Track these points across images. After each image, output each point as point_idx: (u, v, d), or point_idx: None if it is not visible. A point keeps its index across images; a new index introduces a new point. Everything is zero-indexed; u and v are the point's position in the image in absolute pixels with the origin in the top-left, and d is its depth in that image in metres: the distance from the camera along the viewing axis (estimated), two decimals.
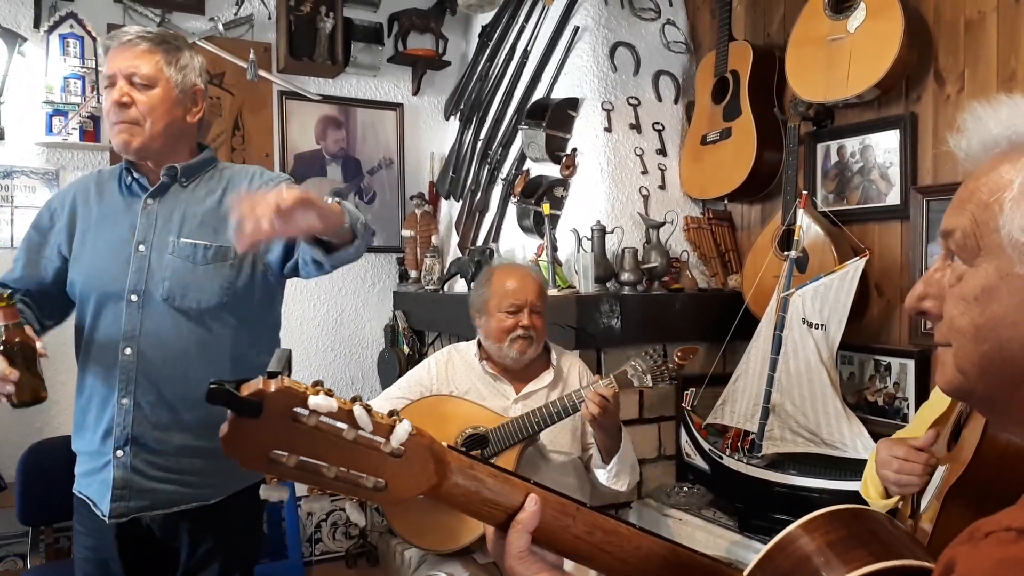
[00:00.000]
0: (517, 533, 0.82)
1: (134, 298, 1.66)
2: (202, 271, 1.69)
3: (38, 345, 1.51)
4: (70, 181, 3.18)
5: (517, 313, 2.20)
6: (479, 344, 2.32)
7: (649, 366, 2.07)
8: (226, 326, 1.71)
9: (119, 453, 1.66)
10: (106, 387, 1.68)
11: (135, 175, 1.74)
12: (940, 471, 1.32)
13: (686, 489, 2.80)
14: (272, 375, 0.70)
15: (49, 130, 3.13)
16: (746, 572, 0.89)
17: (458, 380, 2.29)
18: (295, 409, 0.70)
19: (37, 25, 3.16)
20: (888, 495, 1.51)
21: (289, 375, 0.71)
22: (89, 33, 3.16)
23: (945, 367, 0.74)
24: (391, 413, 0.76)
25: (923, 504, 1.36)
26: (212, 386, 0.68)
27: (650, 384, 2.07)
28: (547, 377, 2.28)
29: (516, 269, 2.36)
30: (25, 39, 3.15)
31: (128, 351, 1.66)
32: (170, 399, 1.68)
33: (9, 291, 1.51)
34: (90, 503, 1.72)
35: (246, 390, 0.69)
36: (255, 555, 1.94)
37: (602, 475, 2.17)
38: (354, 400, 0.73)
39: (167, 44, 1.71)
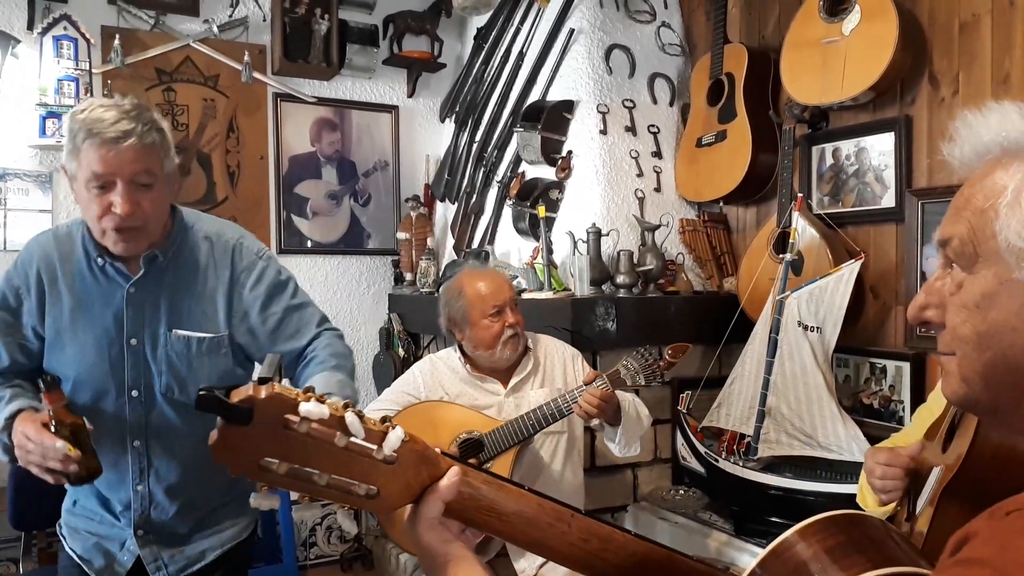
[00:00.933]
0: (431, 502, 0.80)
1: (135, 393, 1.63)
2: (197, 363, 1.65)
3: (85, 421, 1.50)
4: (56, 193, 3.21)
5: (500, 314, 2.21)
6: (460, 349, 2.32)
7: (641, 365, 2.07)
8: None
9: (140, 532, 1.67)
10: (113, 473, 1.65)
11: (108, 259, 1.60)
12: (935, 473, 1.31)
13: (682, 492, 2.80)
14: (263, 381, 0.69)
15: (43, 132, 3.12)
16: None
17: (447, 385, 2.29)
18: (286, 416, 0.69)
19: (30, 27, 3.15)
20: (883, 503, 1.51)
21: (280, 381, 0.70)
22: (83, 35, 3.15)
23: (950, 376, 0.74)
24: (384, 419, 0.75)
25: (919, 506, 1.36)
26: (201, 393, 0.67)
27: (643, 383, 2.08)
28: (528, 364, 2.30)
29: (482, 273, 2.37)
30: (18, 41, 3.14)
31: (137, 443, 1.65)
32: (188, 480, 1.68)
33: (51, 376, 1.49)
34: (79, 559, 1.69)
35: (236, 396, 0.68)
36: (249, 560, 1.94)
37: (613, 448, 2.22)
38: (346, 406, 0.72)
39: (156, 133, 1.54)
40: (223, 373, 1.67)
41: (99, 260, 1.60)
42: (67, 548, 1.72)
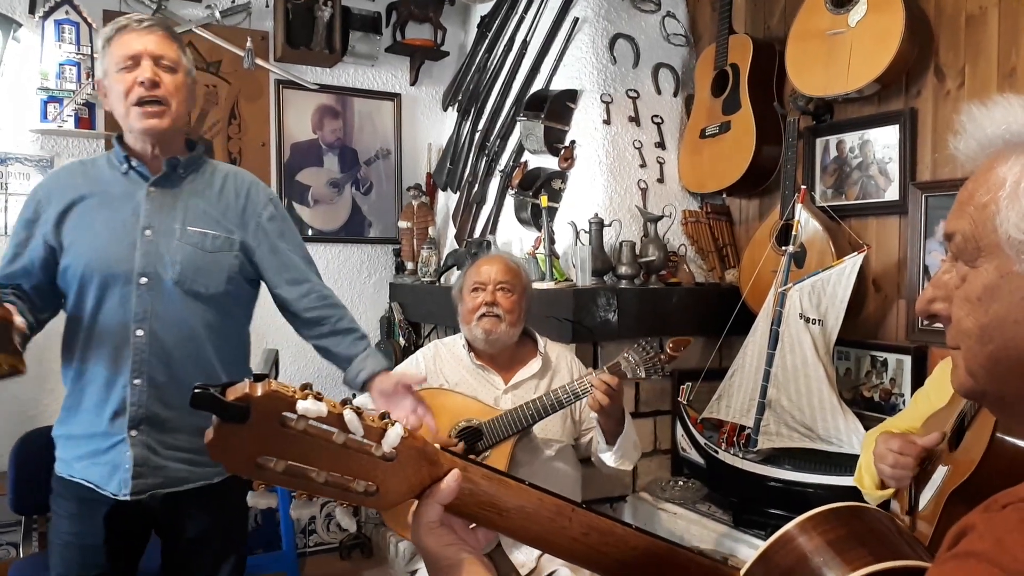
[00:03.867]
0: (429, 505, 0.80)
1: (144, 280, 1.70)
2: (211, 258, 1.76)
3: (17, 320, 1.50)
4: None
5: (482, 291, 2.22)
6: (465, 336, 2.33)
7: (642, 357, 2.07)
8: (229, 309, 1.81)
9: (134, 432, 1.70)
10: (112, 369, 1.70)
11: (133, 163, 1.75)
12: (942, 471, 1.30)
13: (681, 483, 2.80)
14: (259, 378, 0.68)
15: (44, 117, 3.11)
16: (744, 570, 0.89)
17: (447, 372, 2.29)
18: (283, 413, 0.69)
19: (32, 11, 3.13)
20: (884, 486, 1.51)
21: (276, 377, 0.70)
22: (84, 19, 3.13)
23: (957, 369, 0.74)
24: (383, 416, 0.75)
25: (922, 502, 1.35)
26: (196, 391, 0.66)
27: (643, 375, 2.07)
28: (535, 365, 2.28)
29: (490, 256, 2.40)
30: (20, 25, 3.12)
31: (140, 332, 1.70)
32: (182, 378, 1.73)
33: None
34: (92, 486, 1.72)
35: (232, 395, 0.68)
36: (245, 538, 2.00)
37: (608, 458, 2.17)
38: (344, 403, 0.72)
39: (178, 36, 1.79)
40: (232, 275, 1.79)
41: (123, 164, 1.75)
42: (78, 479, 1.73)
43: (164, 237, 1.72)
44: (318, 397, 0.70)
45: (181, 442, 1.73)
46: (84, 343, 1.73)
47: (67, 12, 3.12)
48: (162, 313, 1.71)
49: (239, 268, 1.81)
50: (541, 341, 2.33)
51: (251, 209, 1.84)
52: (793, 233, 2.49)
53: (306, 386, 0.70)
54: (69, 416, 1.77)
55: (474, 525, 0.85)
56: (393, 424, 0.74)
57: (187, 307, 1.73)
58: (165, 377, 1.72)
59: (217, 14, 3.38)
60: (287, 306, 1.90)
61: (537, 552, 2.12)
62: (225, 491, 1.81)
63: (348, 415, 0.71)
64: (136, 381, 1.69)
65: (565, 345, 2.49)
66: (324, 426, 0.70)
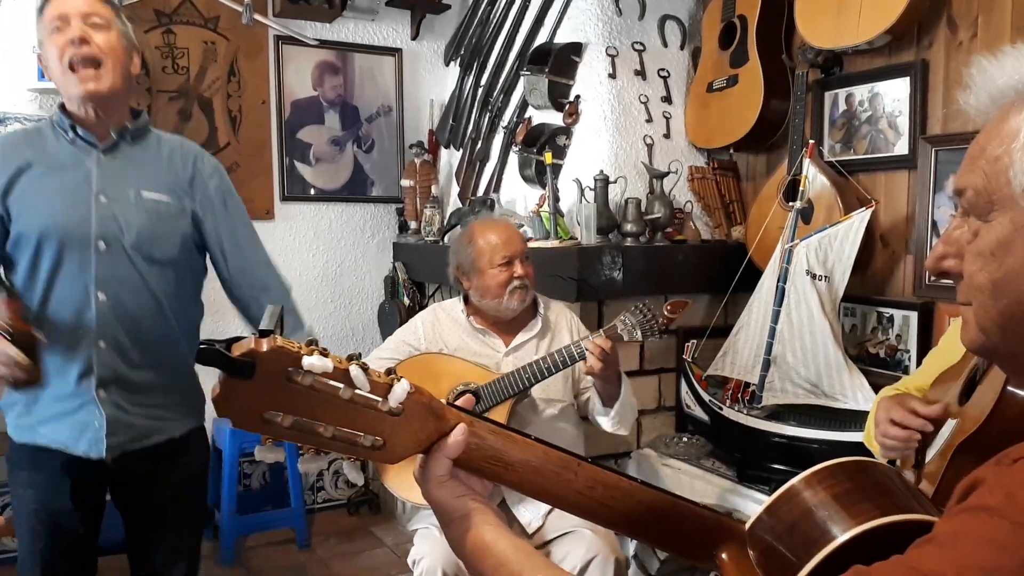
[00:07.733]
0: (437, 460, 0.80)
1: (102, 245, 1.71)
2: (166, 224, 1.78)
3: (38, 335, 1.59)
4: None
5: (510, 264, 2.21)
6: (465, 300, 2.33)
7: (639, 320, 2.08)
8: (183, 276, 1.85)
9: (101, 393, 1.72)
10: (74, 332, 1.71)
11: (79, 131, 1.74)
12: (950, 425, 1.30)
13: (685, 439, 2.82)
14: (264, 334, 0.68)
15: (41, 75, 3.07)
16: (749, 524, 0.89)
17: (447, 337, 2.29)
18: (289, 369, 0.69)
19: None
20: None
21: (281, 334, 0.69)
22: None
23: (967, 325, 0.73)
24: (388, 372, 0.75)
25: (928, 456, 1.35)
26: (202, 347, 0.66)
27: (639, 338, 2.08)
28: (535, 327, 2.29)
29: (494, 223, 2.38)
30: None
31: (102, 296, 1.71)
32: (146, 342, 1.76)
33: (11, 284, 1.58)
34: (59, 448, 1.73)
35: (238, 350, 0.67)
36: (206, 492, 2.07)
37: (605, 422, 2.20)
38: (350, 359, 0.72)
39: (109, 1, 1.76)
40: (184, 241, 1.82)
41: (68, 132, 1.73)
42: (43, 444, 1.74)
43: (119, 203, 1.73)
44: (324, 353, 0.69)
45: (148, 399, 1.78)
46: (41, 308, 1.72)
47: None
48: (123, 277, 1.73)
49: (191, 235, 1.84)
50: (541, 302, 2.34)
51: (198, 179, 1.85)
52: (801, 189, 2.46)
53: (312, 342, 0.70)
54: None
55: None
56: (399, 379, 0.74)
57: (145, 272, 1.75)
58: (129, 340, 1.74)
59: None
60: (222, 280, 1.92)
61: (544, 510, 2.14)
62: (187, 447, 1.87)
63: (354, 371, 0.70)
64: (101, 344, 1.71)
65: (565, 304, 2.49)
66: (330, 381, 0.70)
